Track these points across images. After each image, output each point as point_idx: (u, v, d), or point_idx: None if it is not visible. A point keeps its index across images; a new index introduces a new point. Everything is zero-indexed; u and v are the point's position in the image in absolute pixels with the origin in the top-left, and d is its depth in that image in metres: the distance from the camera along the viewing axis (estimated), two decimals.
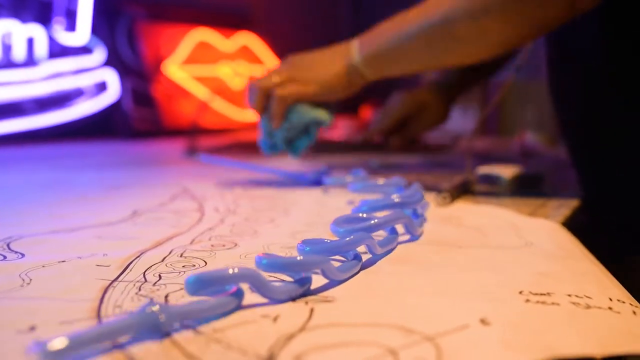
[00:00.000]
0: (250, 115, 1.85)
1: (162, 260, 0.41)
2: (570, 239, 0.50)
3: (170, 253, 0.43)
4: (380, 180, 0.61)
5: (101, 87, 1.48)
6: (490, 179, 0.77)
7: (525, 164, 0.94)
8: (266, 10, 2.15)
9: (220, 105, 1.75)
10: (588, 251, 0.48)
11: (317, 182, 0.75)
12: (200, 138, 1.24)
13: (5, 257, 0.42)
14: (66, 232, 0.50)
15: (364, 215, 0.45)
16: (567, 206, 0.65)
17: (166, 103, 1.61)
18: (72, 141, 1.41)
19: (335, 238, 0.42)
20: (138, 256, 0.42)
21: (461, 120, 1.67)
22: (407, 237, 0.47)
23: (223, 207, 0.62)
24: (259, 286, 0.32)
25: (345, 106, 2.26)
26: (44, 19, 1.38)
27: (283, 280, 0.36)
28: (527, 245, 0.46)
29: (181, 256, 0.42)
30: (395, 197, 0.49)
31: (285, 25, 2.26)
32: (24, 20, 1.33)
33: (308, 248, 0.38)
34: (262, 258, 0.34)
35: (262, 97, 0.75)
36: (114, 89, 1.50)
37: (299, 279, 0.34)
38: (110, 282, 0.36)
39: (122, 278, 0.37)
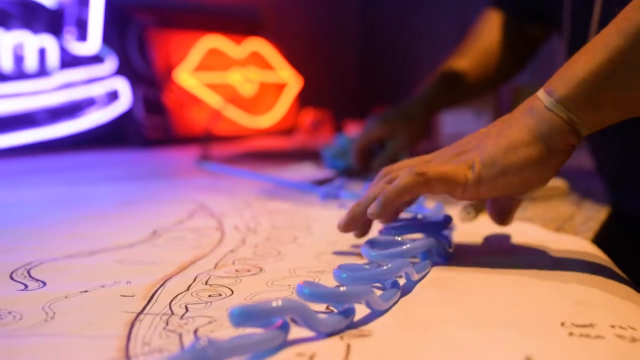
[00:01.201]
0: (260, 122, 1.84)
1: (187, 288, 0.40)
2: (602, 259, 0.48)
3: (195, 280, 0.42)
4: None
5: (113, 96, 1.48)
6: None
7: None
8: (276, 16, 2.14)
9: (232, 112, 1.74)
10: (621, 272, 0.46)
11: (332, 195, 0.74)
12: (212, 146, 1.23)
13: (26, 286, 0.41)
14: (86, 256, 0.49)
15: (398, 238, 0.44)
16: (595, 219, 0.63)
17: (178, 111, 1.60)
18: (85, 151, 1.40)
19: (365, 260, 0.41)
20: (162, 284, 0.41)
21: (474, 125, 1.66)
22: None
23: (242, 224, 0.61)
24: (306, 319, 0.31)
25: (354, 111, 2.26)
26: (55, 29, 1.38)
27: (327, 312, 0.35)
28: (560, 268, 0.44)
29: (206, 283, 0.41)
30: (420, 216, 0.48)
31: (295, 30, 2.25)
32: (35, 31, 1.33)
33: (345, 275, 0.37)
34: (303, 287, 0.32)
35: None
36: (125, 98, 1.49)
37: (343, 310, 0.33)
38: (136, 315, 0.35)
39: (147, 310, 0.36)
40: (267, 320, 0.30)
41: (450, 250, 0.46)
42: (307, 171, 1.02)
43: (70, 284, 0.42)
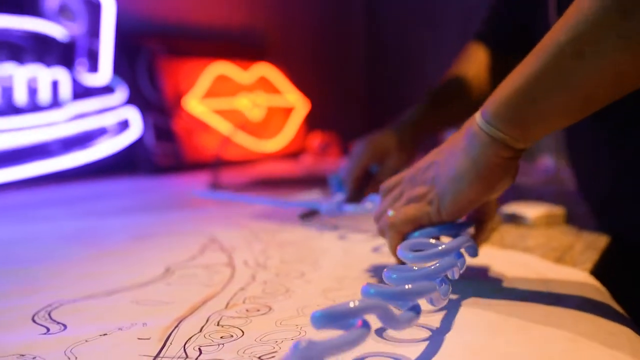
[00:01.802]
0: (268, 146, 1.87)
1: (200, 330, 0.42)
2: (600, 292, 0.50)
3: (207, 321, 0.44)
4: None
5: (124, 125, 1.51)
6: (515, 219, 0.78)
7: (552, 193, 0.95)
8: (282, 41, 2.17)
9: (241, 137, 1.77)
10: (618, 305, 0.48)
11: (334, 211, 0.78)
12: (221, 172, 1.26)
13: (48, 329, 0.43)
14: (103, 297, 0.51)
15: (432, 240, 0.49)
16: (594, 248, 0.65)
17: (187, 137, 1.63)
18: (98, 179, 1.43)
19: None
20: (176, 325, 0.43)
21: None
22: None
23: (252, 259, 0.63)
24: (385, 317, 0.33)
25: (361, 133, 2.28)
26: (67, 62, 1.41)
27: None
28: (557, 304, 0.46)
29: (218, 324, 0.43)
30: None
31: (301, 54, 2.28)
32: (48, 64, 1.36)
33: (395, 275, 0.40)
34: (369, 288, 0.36)
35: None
36: (136, 126, 1.52)
37: (413, 306, 0.36)
38: (152, 358, 0.37)
39: (163, 354, 0.38)
40: (347, 322, 0.32)
41: (478, 251, 0.50)
42: (314, 198, 1.04)
43: (90, 326, 0.44)
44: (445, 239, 0.49)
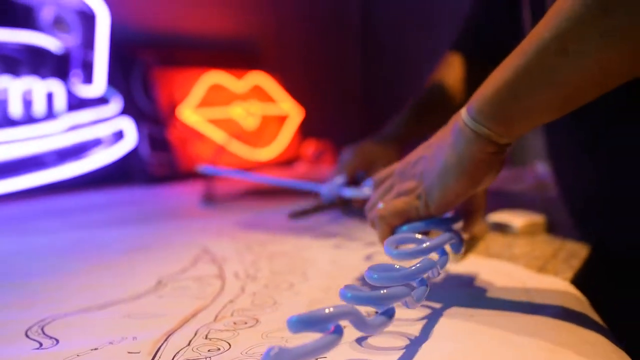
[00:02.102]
0: (263, 154, 1.88)
1: (189, 343, 0.44)
2: (579, 301, 0.51)
3: (195, 335, 0.45)
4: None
5: (118, 135, 1.52)
6: (501, 227, 0.79)
7: (540, 200, 0.96)
8: (275, 49, 2.19)
9: (235, 146, 1.78)
10: (596, 314, 0.49)
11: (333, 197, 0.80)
12: (216, 181, 1.27)
13: (41, 344, 0.45)
14: (97, 311, 0.53)
15: (418, 236, 0.49)
16: (576, 256, 0.66)
17: (182, 147, 1.65)
18: (93, 190, 1.44)
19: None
20: (165, 339, 0.45)
21: None
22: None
23: (243, 271, 0.65)
24: (357, 322, 0.34)
25: (356, 141, 2.30)
26: (62, 73, 1.42)
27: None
28: (537, 312, 0.47)
29: (206, 337, 0.45)
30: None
31: (295, 62, 2.30)
32: (43, 76, 1.38)
33: (376, 276, 0.41)
34: (346, 292, 0.38)
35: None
36: (131, 137, 1.54)
37: (386, 310, 0.37)
38: None
39: None
40: (323, 327, 0.33)
41: (463, 249, 0.51)
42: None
43: (82, 340, 0.45)
44: (435, 233, 0.51)
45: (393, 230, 0.54)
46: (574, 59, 0.41)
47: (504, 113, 0.46)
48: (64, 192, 1.39)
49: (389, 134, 0.95)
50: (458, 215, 0.54)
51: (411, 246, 0.47)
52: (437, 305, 0.49)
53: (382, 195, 0.57)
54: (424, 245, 0.46)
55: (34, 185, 1.33)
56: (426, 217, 0.52)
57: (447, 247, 0.49)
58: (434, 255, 0.47)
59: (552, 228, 0.80)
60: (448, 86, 0.93)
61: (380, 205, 0.55)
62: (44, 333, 0.47)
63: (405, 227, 0.52)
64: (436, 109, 0.94)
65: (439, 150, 0.51)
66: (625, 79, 0.43)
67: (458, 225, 0.54)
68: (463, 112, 0.49)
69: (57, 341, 0.45)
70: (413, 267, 0.43)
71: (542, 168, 1.43)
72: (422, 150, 0.54)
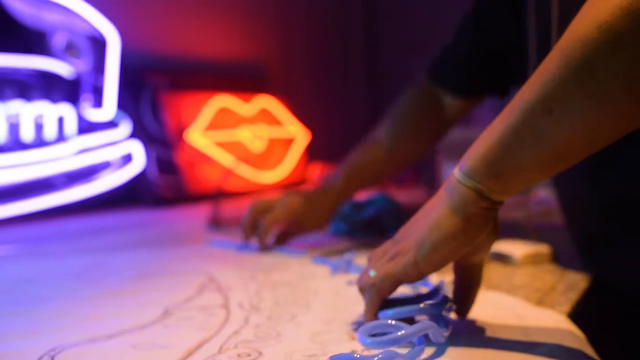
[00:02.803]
0: (269, 177, 1.90)
1: None
2: (574, 336, 0.52)
3: None
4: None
5: (127, 158, 1.55)
6: (502, 257, 0.81)
7: (544, 228, 0.97)
8: (282, 72, 2.22)
9: (242, 169, 1.80)
10: (592, 350, 0.50)
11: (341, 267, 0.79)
12: (222, 204, 1.29)
13: None
14: (104, 340, 0.54)
15: (392, 322, 0.48)
16: (576, 288, 0.68)
17: (190, 170, 1.67)
18: (101, 212, 1.46)
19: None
20: None
21: None
22: None
23: (247, 301, 0.66)
24: None
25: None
26: (73, 98, 1.45)
27: None
28: (533, 348, 0.49)
29: None
30: (423, 289, 0.52)
31: (302, 85, 2.33)
32: (54, 100, 1.40)
33: None
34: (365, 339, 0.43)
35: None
36: (139, 160, 1.56)
37: None
38: None
39: None
40: None
41: (446, 334, 0.49)
42: (310, 236, 1.07)
43: None
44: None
45: (383, 301, 0.52)
46: (560, 119, 0.42)
47: (496, 170, 0.46)
48: (73, 215, 1.41)
49: (325, 192, 1.02)
50: (448, 299, 0.53)
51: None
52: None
53: (375, 263, 0.55)
54: (399, 333, 0.45)
55: (44, 207, 1.36)
56: (417, 278, 0.50)
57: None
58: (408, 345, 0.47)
59: (556, 257, 0.81)
60: (403, 124, 1.03)
61: (371, 272, 0.53)
62: None
63: (390, 312, 0.50)
64: (365, 173, 1.03)
65: (432, 209, 0.51)
66: (614, 138, 0.43)
67: (448, 311, 0.53)
68: (456, 171, 0.49)
69: None
70: (376, 357, 0.42)
71: (545, 194, 1.45)
72: (417, 214, 0.54)
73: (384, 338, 0.45)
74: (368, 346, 0.45)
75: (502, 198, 0.48)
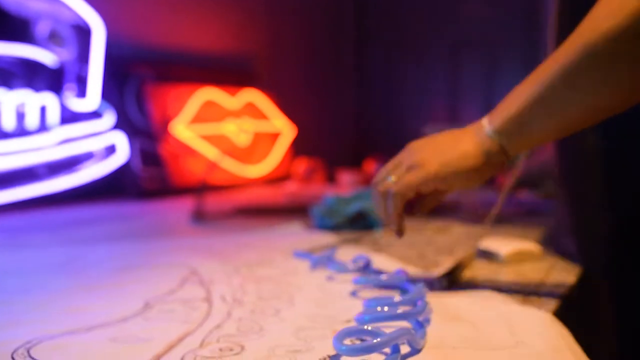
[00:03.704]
0: (254, 171, 1.88)
1: None
2: (561, 334, 0.52)
3: None
4: (384, 276, 0.65)
5: (111, 149, 1.53)
6: (489, 255, 0.80)
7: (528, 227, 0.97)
8: (270, 67, 2.21)
9: (227, 162, 1.79)
10: (579, 348, 0.50)
11: (321, 263, 0.78)
12: (206, 198, 1.27)
13: None
14: (83, 333, 0.53)
15: (369, 328, 0.47)
16: (562, 287, 0.67)
17: (174, 162, 1.65)
18: (84, 203, 1.44)
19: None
20: None
21: None
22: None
23: (230, 294, 0.65)
24: None
25: (347, 160, 2.32)
26: (56, 87, 1.43)
27: None
28: (519, 346, 0.48)
29: None
30: (400, 308, 0.51)
31: (289, 80, 2.32)
32: (37, 89, 1.38)
33: None
34: (340, 346, 0.43)
35: (384, 202, 0.64)
36: (123, 151, 1.54)
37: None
38: None
39: None
40: None
41: (422, 342, 0.48)
42: (295, 231, 1.06)
43: None
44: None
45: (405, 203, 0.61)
46: (578, 96, 0.52)
47: (521, 132, 0.56)
48: (55, 205, 1.39)
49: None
50: (426, 305, 0.53)
51: (361, 341, 0.46)
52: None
53: (392, 169, 0.63)
54: (375, 341, 0.44)
55: (25, 197, 1.34)
56: (429, 190, 0.61)
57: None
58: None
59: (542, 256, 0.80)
60: None
61: (391, 178, 0.61)
62: (29, 356, 0.47)
63: (367, 317, 0.50)
64: None
65: (459, 141, 0.60)
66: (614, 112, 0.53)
67: (426, 317, 0.53)
68: (485, 124, 0.58)
69: None
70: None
71: (527, 194, 1.44)
72: (437, 138, 0.62)
73: (359, 345, 0.44)
74: (342, 353, 0.44)
75: (516, 153, 0.59)
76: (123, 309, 0.60)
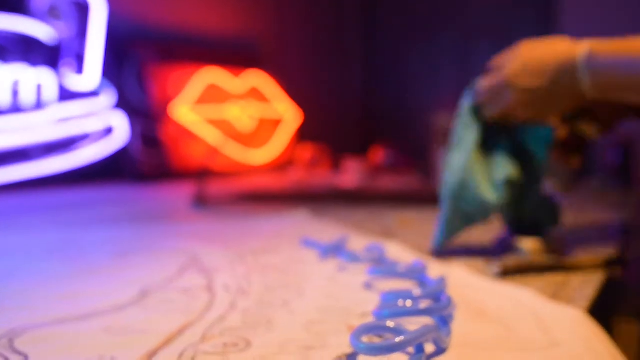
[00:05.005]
0: (257, 157, 1.83)
1: None
2: (597, 334, 0.47)
3: (180, 357, 0.41)
4: (400, 267, 0.60)
5: (109, 130, 1.48)
6: (513, 250, 0.76)
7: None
8: (275, 49, 2.15)
9: (230, 148, 1.74)
10: (616, 350, 0.46)
11: (331, 252, 0.73)
12: (208, 184, 1.23)
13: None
14: (74, 322, 0.48)
15: (391, 325, 0.42)
16: (590, 284, 0.62)
17: (174, 146, 1.60)
18: (79, 186, 1.40)
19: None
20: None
21: None
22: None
23: (234, 284, 0.60)
24: None
25: (353, 146, 2.26)
26: (54, 63, 1.38)
27: None
28: (553, 347, 0.43)
29: None
30: (423, 303, 0.47)
31: (295, 63, 2.26)
32: (33, 64, 1.33)
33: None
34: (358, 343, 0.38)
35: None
36: (122, 132, 1.49)
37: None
38: None
39: None
40: None
41: (448, 340, 0.43)
42: (302, 218, 1.01)
43: (54, 357, 0.41)
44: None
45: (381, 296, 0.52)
46: None
47: (609, 82, 0.59)
48: (49, 187, 1.34)
49: None
50: (450, 300, 0.48)
51: (381, 338, 0.42)
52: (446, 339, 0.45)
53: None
54: (397, 340, 0.39)
55: (18, 178, 1.29)
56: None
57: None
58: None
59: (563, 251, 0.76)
60: None
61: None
62: (12, 347, 0.43)
63: (387, 312, 0.46)
64: None
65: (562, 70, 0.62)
66: None
67: (450, 312, 0.48)
68: (583, 56, 0.60)
69: (26, 358, 0.41)
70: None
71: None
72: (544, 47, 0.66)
73: (380, 343, 0.39)
74: (361, 351, 0.39)
75: (593, 97, 0.62)
76: (118, 297, 0.55)
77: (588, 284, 0.62)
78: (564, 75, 0.62)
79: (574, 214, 1.05)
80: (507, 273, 0.64)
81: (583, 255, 0.72)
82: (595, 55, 0.59)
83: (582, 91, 0.61)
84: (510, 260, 0.65)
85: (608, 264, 0.66)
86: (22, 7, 1.32)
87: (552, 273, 0.65)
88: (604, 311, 0.60)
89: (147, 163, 1.54)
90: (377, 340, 0.43)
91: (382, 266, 0.64)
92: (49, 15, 1.37)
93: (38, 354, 0.42)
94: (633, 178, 1.51)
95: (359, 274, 0.64)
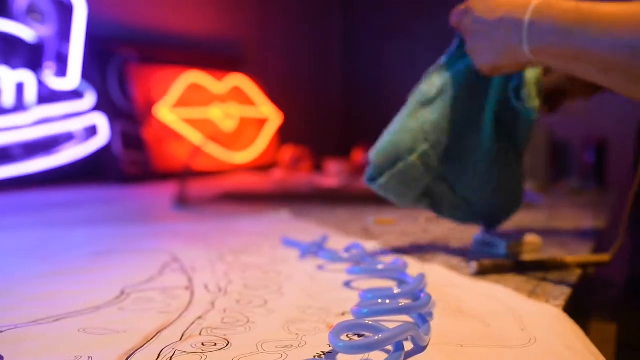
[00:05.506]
0: (239, 158, 1.83)
1: None
2: (575, 332, 0.48)
3: (159, 356, 0.41)
4: (380, 265, 0.60)
5: (91, 131, 1.47)
6: (489, 245, 0.76)
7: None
8: (257, 52, 2.15)
9: (211, 148, 1.73)
10: (595, 348, 0.46)
11: (311, 251, 0.73)
12: (189, 184, 1.22)
13: None
14: (50, 323, 0.48)
15: (369, 322, 0.42)
16: (567, 282, 0.63)
17: (156, 146, 1.59)
18: (62, 186, 1.38)
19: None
20: None
21: None
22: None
23: (213, 283, 0.60)
24: None
25: (334, 148, 2.27)
26: (35, 64, 1.37)
27: None
28: (532, 343, 0.44)
29: None
30: (402, 301, 0.47)
31: (277, 66, 2.26)
32: (13, 66, 1.32)
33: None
34: (337, 342, 0.38)
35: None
36: (103, 133, 1.48)
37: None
38: None
39: None
40: None
41: (427, 338, 0.43)
42: (283, 218, 1.01)
43: (29, 359, 0.40)
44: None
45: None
46: (608, 75, 0.53)
47: (552, 44, 0.55)
48: (30, 188, 1.33)
49: None
50: (429, 297, 0.48)
51: (360, 337, 0.42)
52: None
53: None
54: (376, 338, 0.39)
55: (0, 178, 1.28)
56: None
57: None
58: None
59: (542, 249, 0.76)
60: None
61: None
62: None
63: (365, 310, 0.45)
64: None
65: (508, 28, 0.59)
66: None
67: (429, 311, 0.49)
68: (528, 14, 0.57)
69: (2, 358, 0.40)
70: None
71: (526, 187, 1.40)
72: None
73: (359, 342, 0.39)
74: (340, 350, 0.39)
75: (531, 60, 0.59)
76: (96, 297, 0.55)
77: (564, 282, 0.63)
78: (509, 24, 0.59)
79: (551, 214, 1.06)
80: (485, 272, 0.64)
81: (559, 254, 0.73)
82: (538, 14, 0.56)
83: (523, 51, 0.58)
84: (488, 259, 0.66)
85: (584, 263, 0.67)
86: (2, 7, 1.31)
87: (529, 271, 0.66)
88: (580, 308, 0.60)
89: (129, 164, 1.53)
90: (356, 339, 0.43)
91: (361, 265, 0.64)
92: (28, 15, 1.36)
93: (13, 354, 0.41)
94: (607, 178, 1.53)
95: (338, 273, 0.64)
